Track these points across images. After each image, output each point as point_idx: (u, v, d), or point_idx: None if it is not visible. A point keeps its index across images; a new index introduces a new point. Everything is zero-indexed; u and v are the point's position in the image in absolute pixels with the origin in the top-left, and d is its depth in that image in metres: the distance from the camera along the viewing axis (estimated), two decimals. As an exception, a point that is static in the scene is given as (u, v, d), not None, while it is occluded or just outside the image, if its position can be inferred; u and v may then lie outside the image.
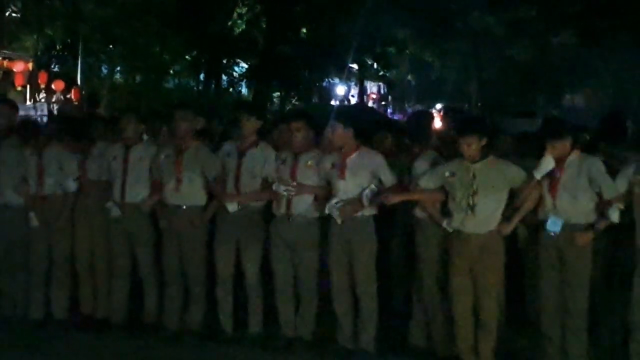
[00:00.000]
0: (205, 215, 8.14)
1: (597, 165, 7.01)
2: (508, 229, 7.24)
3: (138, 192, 8.31)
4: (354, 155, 7.68)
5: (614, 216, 6.88)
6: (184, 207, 8.10)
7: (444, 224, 7.35)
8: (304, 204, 7.86)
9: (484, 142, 7.14)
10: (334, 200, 7.57)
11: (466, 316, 7.29)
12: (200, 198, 8.13)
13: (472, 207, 7.12)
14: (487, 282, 7.28)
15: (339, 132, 7.69)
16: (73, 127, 9.29)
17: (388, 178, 7.60)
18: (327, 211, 7.62)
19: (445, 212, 7.41)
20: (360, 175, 7.60)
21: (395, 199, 7.44)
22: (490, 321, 7.29)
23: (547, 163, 6.96)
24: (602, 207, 7.00)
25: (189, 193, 8.07)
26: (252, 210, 8.04)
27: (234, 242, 8.02)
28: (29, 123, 9.41)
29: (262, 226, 8.07)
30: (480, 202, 7.11)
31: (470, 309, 7.28)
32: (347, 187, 7.61)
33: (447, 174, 7.29)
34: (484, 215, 7.15)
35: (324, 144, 8.17)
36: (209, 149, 8.26)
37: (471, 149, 7.10)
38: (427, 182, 7.38)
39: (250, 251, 8.02)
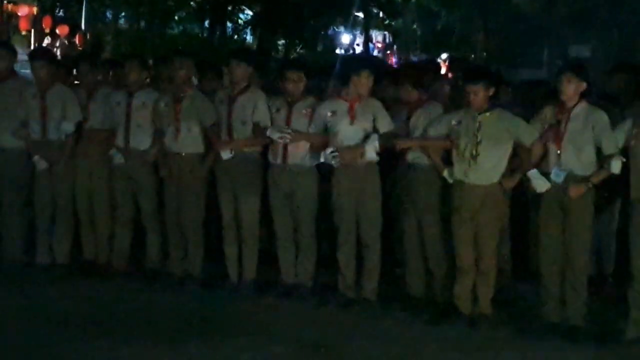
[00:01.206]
0: (205, 164, 8.16)
1: (603, 118, 6.97)
2: (511, 183, 7.27)
3: (141, 139, 8.33)
4: (362, 102, 7.69)
5: (616, 167, 6.89)
6: (183, 154, 8.16)
7: (445, 173, 7.38)
8: (300, 153, 7.91)
9: (491, 91, 7.24)
10: (328, 150, 7.64)
11: (468, 265, 7.31)
12: (198, 145, 8.18)
13: (474, 157, 7.15)
14: (488, 233, 7.34)
15: (365, 80, 7.76)
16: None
17: (384, 123, 7.69)
18: (322, 159, 7.72)
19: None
20: (365, 120, 7.70)
21: (406, 144, 7.56)
22: (489, 271, 7.37)
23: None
24: (602, 160, 7.01)
25: (188, 141, 8.12)
26: (247, 158, 8.09)
27: (231, 189, 8.07)
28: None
29: (260, 174, 8.13)
30: (483, 152, 7.16)
31: (472, 258, 7.34)
32: (354, 132, 7.69)
33: (453, 122, 7.37)
34: (486, 166, 7.21)
35: (331, 90, 8.41)
36: (205, 97, 8.25)
37: (478, 98, 7.16)
38: (435, 129, 7.42)
39: (246, 198, 8.08)
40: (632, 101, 7.70)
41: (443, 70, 20.80)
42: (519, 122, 7.27)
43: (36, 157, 8.53)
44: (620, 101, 7.90)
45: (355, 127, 7.72)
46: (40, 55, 9.38)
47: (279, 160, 7.95)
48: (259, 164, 8.16)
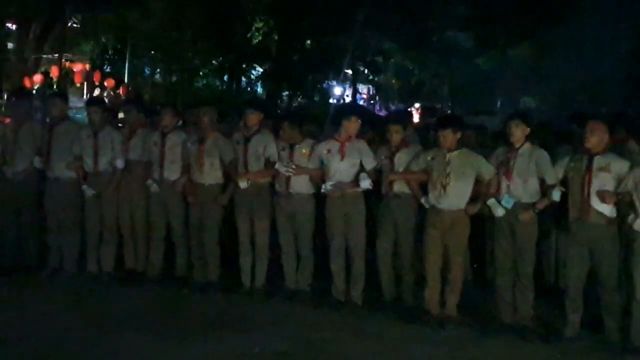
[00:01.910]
0: (225, 194, 8.21)
1: (544, 155, 7.05)
2: (474, 209, 7.31)
3: (172, 171, 8.33)
4: (350, 142, 7.75)
5: (556, 196, 6.95)
6: (206, 184, 8.19)
7: (423, 200, 7.41)
8: (300, 183, 7.98)
9: (458, 135, 7.29)
10: (328, 183, 7.73)
11: (436, 275, 7.32)
12: (219, 177, 8.22)
13: (444, 187, 7.19)
14: (455, 249, 7.36)
15: (354, 123, 7.85)
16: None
17: (369, 162, 7.76)
18: (322, 190, 7.79)
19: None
20: (353, 157, 7.76)
21: (396, 177, 7.64)
22: (456, 280, 7.35)
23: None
24: (545, 190, 7.06)
25: (210, 173, 8.16)
26: (260, 187, 8.16)
27: (247, 212, 8.09)
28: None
29: (270, 200, 8.16)
30: (452, 183, 7.21)
31: (439, 269, 7.33)
32: (344, 167, 7.76)
33: (428, 157, 7.40)
34: (454, 195, 7.23)
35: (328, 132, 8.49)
36: (225, 138, 8.29)
37: (447, 140, 7.22)
38: (416, 164, 7.46)
39: (259, 220, 8.12)
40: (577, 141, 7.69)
41: (416, 117, 20.79)
42: (481, 159, 7.30)
43: (84, 186, 8.54)
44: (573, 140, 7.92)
45: (345, 163, 7.77)
46: (94, 103, 9.44)
47: (283, 189, 7.99)
48: (270, 192, 8.19)
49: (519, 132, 7.13)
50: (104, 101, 11.16)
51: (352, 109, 15.24)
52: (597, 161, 6.81)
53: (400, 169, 7.63)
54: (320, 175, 7.92)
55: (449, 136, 7.27)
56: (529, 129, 7.20)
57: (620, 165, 6.81)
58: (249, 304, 7.90)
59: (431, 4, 28.83)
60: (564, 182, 7.03)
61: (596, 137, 6.81)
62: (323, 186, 7.82)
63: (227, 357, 6.35)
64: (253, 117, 8.19)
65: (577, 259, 6.97)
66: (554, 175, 7.04)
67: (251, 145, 8.10)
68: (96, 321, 7.13)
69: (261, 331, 7.01)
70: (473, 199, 7.32)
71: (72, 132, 8.70)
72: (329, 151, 7.85)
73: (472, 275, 8.32)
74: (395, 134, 7.60)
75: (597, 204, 6.78)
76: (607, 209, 6.78)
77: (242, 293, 8.15)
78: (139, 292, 8.22)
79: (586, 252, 6.91)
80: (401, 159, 7.64)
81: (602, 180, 6.77)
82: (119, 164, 8.51)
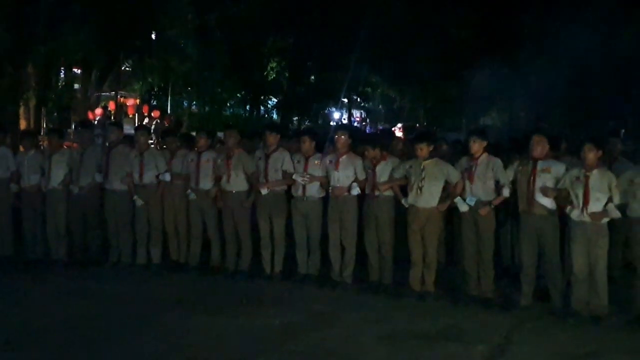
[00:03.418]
0: (250, 199, 8.20)
1: (498, 162, 7.09)
2: (444, 207, 7.34)
3: (206, 182, 8.32)
4: (345, 156, 7.78)
5: (506, 192, 7.07)
6: (234, 191, 8.17)
7: (403, 201, 7.41)
8: (313, 189, 7.96)
9: (431, 147, 7.33)
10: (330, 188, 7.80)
11: (418, 260, 7.30)
12: (244, 186, 8.20)
13: (420, 189, 7.18)
14: (430, 239, 7.35)
15: (345, 139, 7.86)
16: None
17: (361, 173, 7.75)
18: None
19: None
20: (347, 169, 7.78)
21: (384, 186, 7.58)
22: (432, 263, 7.35)
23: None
24: (499, 189, 7.13)
25: (236, 183, 8.13)
26: (277, 193, 8.15)
27: (267, 214, 8.04)
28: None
29: (286, 204, 8.16)
30: (426, 187, 7.19)
31: (420, 255, 7.32)
32: (339, 176, 7.76)
33: (407, 166, 7.40)
34: (428, 195, 7.22)
35: (328, 147, 8.35)
36: (247, 154, 8.32)
37: (423, 152, 7.23)
38: (398, 173, 7.45)
39: (277, 220, 8.09)
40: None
41: (399, 133, 20.71)
42: (449, 166, 7.32)
43: (135, 197, 8.58)
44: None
45: (340, 173, 7.79)
46: (140, 128, 9.59)
47: (299, 194, 7.99)
48: (285, 197, 8.20)
49: (476, 145, 7.19)
50: (148, 128, 11.19)
51: (345, 128, 15.27)
52: (540, 165, 6.89)
53: (382, 178, 7.62)
54: (327, 182, 7.94)
55: (424, 148, 7.30)
56: (485, 142, 7.24)
57: (557, 168, 6.90)
58: (269, 286, 7.91)
59: (407, 46, 28.90)
60: (513, 183, 7.10)
61: (540, 146, 6.89)
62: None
63: (253, 328, 6.34)
64: (272, 138, 8.21)
65: (527, 243, 7.01)
66: (506, 177, 7.09)
67: (271, 161, 8.12)
68: (147, 303, 7.14)
69: (278, 307, 6.99)
70: (443, 198, 7.35)
71: (125, 154, 8.75)
72: (330, 162, 7.89)
73: (445, 259, 8.30)
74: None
75: (540, 198, 6.85)
76: (548, 202, 6.85)
77: (264, 278, 8.16)
78: (181, 278, 8.25)
79: (534, 237, 6.95)
80: (382, 169, 7.64)
81: (544, 179, 6.86)
82: (166, 177, 8.56)
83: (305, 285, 7.87)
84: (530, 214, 6.92)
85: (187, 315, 6.65)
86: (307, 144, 8.04)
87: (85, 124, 10.40)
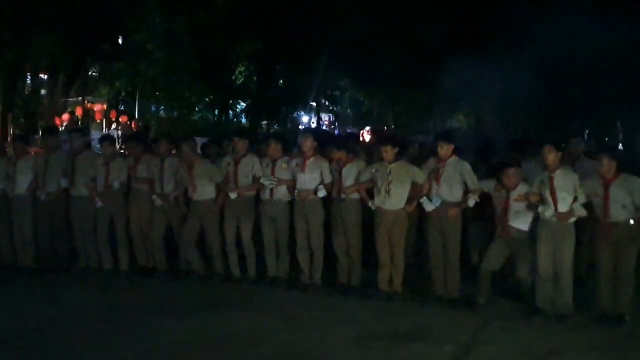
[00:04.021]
0: (217, 203, 8.14)
1: (466, 166, 7.16)
2: (410, 208, 7.39)
3: (170, 187, 8.26)
4: (311, 159, 7.77)
5: (471, 202, 7.17)
6: (201, 200, 8.12)
7: (370, 203, 7.44)
8: (281, 192, 7.97)
9: (396, 150, 7.34)
10: (296, 190, 7.78)
11: (386, 261, 7.35)
12: (210, 193, 8.16)
13: (388, 192, 7.23)
14: (398, 240, 7.39)
15: (310, 142, 7.83)
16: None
17: (327, 176, 7.75)
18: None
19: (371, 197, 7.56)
20: (313, 172, 7.79)
21: (351, 189, 7.57)
22: (399, 264, 7.39)
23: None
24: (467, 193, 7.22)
25: (202, 192, 8.10)
26: (247, 198, 8.13)
27: (235, 218, 8.05)
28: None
29: (253, 207, 8.15)
30: (393, 189, 7.24)
31: (388, 256, 7.35)
32: (305, 178, 7.77)
33: (373, 170, 7.45)
34: (395, 198, 7.25)
35: (296, 151, 8.46)
36: (210, 163, 8.33)
37: (388, 155, 7.25)
38: (364, 176, 7.47)
39: (245, 224, 8.08)
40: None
41: (367, 136, 20.75)
42: (415, 168, 7.37)
43: (97, 199, 8.48)
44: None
45: (306, 176, 7.78)
46: (106, 139, 9.43)
47: (267, 197, 7.98)
48: (253, 201, 8.18)
49: (444, 150, 7.23)
50: (113, 137, 11.08)
51: (311, 131, 15.34)
52: (513, 194, 6.95)
53: (348, 180, 7.62)
54: (294, 185, 7.91)
55: (389, 151, 7.33)
56: (452, 145, 7.29)
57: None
58: (238, 289, 7.89)
59: (375, 50, 29.03)
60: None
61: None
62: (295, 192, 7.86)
63: (223, 331, 6.31)
64: (241, 144, 8.22)
65: (497, 251, 7.12)
66: (474, 181, 7.16)
67: (241, 166, 8.11)
68: (117, 307, 7.09)
69: (248, 310, 6.98)
70: (409, 200, 7.39)
71: (90, 160, 8.67)
72: (296, 165, 7.88)
73: (412, 260, 8.34)
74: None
75: (514, 222, 6.98)
76: (524, 225, 6.96)
77: (234, 281, 8.15)
78: (150, 283, 8.20)
79: (507, 250, 7.11)
80: (348, 172, 7.65)
81: (517, 207, 6.96)
82: (116, 184, 8.50)
83: (274, 288, 7.86)
84: (506, 237, 7.03)
85: (156, 320, 6.59)
86: (274, 147, 8.02)
87: (51, 129, 10.25)
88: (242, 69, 31.19)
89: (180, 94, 28.74)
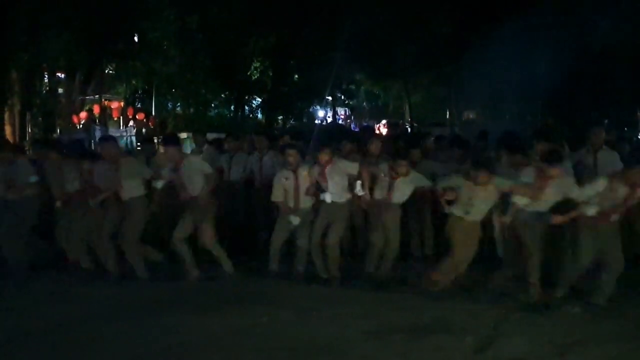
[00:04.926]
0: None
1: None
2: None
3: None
4: (329, 166, 7.77)
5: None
6: (128, 198, 7.97)
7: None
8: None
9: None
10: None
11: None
12: (139, 191, 7.97)
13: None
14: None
15: (325, 155, 7.71)
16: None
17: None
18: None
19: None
20: (337, 176, 7.77)
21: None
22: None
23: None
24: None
25: (129, 191, 7.90)
26: (341, 202, 7.88)
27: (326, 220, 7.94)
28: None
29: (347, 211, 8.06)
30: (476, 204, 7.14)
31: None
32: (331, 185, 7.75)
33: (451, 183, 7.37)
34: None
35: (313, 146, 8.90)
36: (136, 160, 8.39)
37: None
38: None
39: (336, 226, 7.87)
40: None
41: (384, 130, 20.63)
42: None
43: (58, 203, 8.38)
44: None
45: (330, 183, 7.70)
46: (107, 139, 9.30)
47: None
48: (347, 206, 8.00)
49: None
50: (116, 138, 11.02)
51: (332, 127, 15.39)
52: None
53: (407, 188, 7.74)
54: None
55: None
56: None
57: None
58: (256, 284, 7.89)
59: (390, 42, 28.96)
60: None
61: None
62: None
63: (241, 326, 6.30)
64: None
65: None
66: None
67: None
68: (137, 302, 7.09)
69: (266, 304, 6.96)
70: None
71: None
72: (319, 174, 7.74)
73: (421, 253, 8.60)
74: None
75: None
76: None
77: (252, 276, 8.13)
78: (164, 280, 8.19)
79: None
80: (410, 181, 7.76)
81: None
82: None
83: (292, 282, 7.84)
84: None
85: (175, 316, 6.59)
86: (294, 158, 7.78)
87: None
88: (257, 64, 31.24)
89: (195, 91, 28.85)
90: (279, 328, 6.22)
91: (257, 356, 5.55)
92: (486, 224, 7.44)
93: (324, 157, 7.67)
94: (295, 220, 7.72)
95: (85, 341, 5.91)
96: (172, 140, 8.19)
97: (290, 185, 7.76)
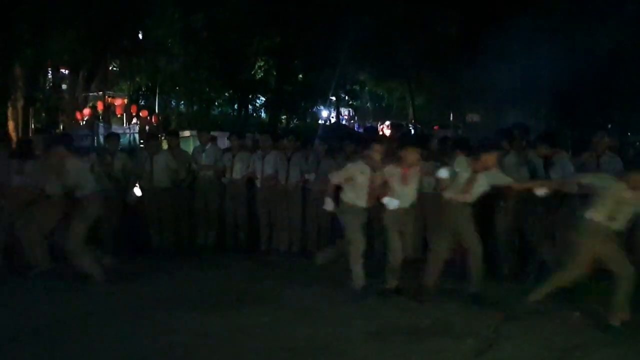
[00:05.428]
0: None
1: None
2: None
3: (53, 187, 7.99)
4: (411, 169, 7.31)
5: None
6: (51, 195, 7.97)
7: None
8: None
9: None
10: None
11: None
12: (58, 188, 7.86)
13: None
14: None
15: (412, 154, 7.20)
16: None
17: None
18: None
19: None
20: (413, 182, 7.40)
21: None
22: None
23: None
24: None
25: (52, 187, 7.85)
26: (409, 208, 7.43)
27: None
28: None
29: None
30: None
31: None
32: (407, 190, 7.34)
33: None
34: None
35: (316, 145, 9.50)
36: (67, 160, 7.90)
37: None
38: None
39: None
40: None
41: (387, 131, 20.60)
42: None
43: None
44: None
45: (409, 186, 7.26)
46: (112, 135, 10.20)
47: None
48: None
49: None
50: (118, 135, 11.22)
51: (336, 127, 15.43)
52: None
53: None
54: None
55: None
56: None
57: None
58: (257, 284, 7.89)
59: (394, 43, 28.95)
60: None
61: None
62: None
63: (242, 326, 6.31)
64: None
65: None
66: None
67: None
68: (138, 300, 7.10)
69: (267, 304, 6.97)
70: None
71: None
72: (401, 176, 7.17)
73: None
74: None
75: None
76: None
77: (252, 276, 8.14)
78: (167, 276, 8.19)
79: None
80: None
81: None
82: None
83: (293, 282, 7.85)
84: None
85: (176, 314, 6.60)
86: (379, 154, 7.15)
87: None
88: (261, 63, 31.25)
89: (199, 89, 28.86)
90: (279, 328, 6.23)
91: (256, 356, 5.56)
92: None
93: (411, 156, 7.12)
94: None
95: (83, 340, 5.92)
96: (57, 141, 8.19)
97: (363, 181, 7.09)
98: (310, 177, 9.12)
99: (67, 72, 25.23)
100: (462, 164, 6.86)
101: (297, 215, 9.40)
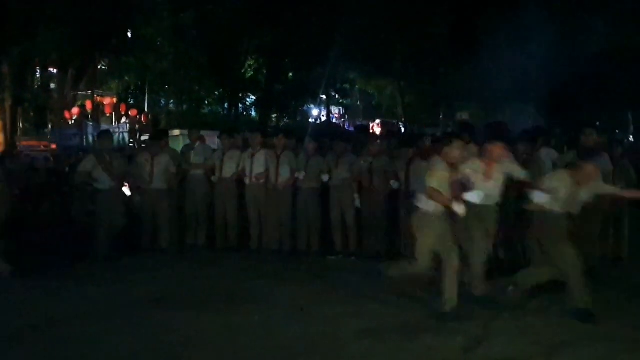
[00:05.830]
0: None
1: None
2: None
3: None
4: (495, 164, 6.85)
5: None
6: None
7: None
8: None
9: None
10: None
11: None
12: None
13: None
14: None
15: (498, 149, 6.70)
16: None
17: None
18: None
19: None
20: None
21: None
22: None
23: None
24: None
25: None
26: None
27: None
28: None
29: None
30: None
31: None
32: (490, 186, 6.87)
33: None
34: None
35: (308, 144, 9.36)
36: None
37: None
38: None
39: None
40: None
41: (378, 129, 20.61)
42: None
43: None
44: None
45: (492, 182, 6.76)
46: (105, 133, 10.13)
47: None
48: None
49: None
50: (111, 132, 11.37)
51: (327, 125, 15.47)
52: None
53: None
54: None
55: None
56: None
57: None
58: (248, 283, 7.90)
59: (384, 42, 29.04)
60: None
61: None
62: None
63: (233, 324, 6.32)
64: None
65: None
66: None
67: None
68: (129, 299, 7.11)
69: (258, 303, 6.98)
70: None
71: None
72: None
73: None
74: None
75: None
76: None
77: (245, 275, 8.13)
78: (161, 275, 8.18)
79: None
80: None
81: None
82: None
83: (285, 281, 7.86)
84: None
85: (167, 313, 6.60)
86: (460, 151, 6.49)
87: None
88: (252, 62, 31.25)
89: (189, 88, 28.83)
90: (272, 327, 6.23)
91: (249, 354, 5.57)
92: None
93: (498, 151, 6.66)
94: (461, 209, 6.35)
95: (78, 339, 5.90)
96: None
97: (443, 179, 6.43)
98: (300, 175, 9.13)
99: (55, 71, 25.17)
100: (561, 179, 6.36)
101: (287, 214, 9.41)
